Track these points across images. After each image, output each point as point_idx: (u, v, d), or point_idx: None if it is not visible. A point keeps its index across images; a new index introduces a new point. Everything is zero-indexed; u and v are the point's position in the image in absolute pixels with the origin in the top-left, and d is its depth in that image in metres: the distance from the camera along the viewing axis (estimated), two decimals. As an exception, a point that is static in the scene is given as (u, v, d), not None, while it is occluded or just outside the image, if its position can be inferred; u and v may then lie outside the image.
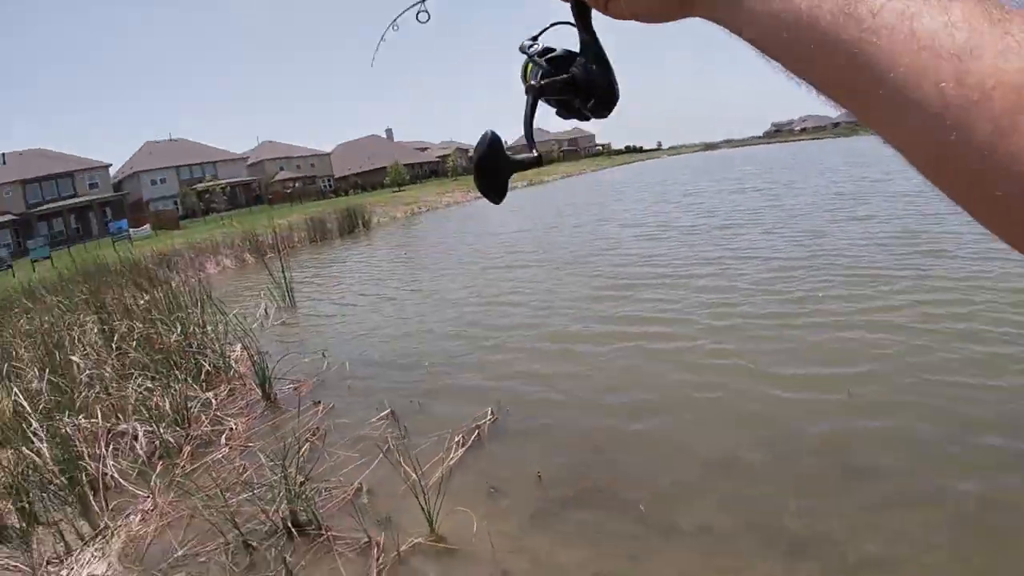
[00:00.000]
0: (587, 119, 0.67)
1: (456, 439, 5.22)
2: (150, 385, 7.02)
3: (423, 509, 4.10)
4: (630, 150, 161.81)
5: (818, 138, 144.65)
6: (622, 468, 4.60)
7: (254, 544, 4.29)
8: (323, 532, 4.27)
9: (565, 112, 0.68)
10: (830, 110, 0.47)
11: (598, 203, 30.12)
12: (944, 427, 4.45)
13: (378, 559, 3.90)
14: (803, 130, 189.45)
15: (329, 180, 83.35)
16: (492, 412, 5.67)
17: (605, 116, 0.66)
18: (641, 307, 8.31)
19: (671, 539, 3.76)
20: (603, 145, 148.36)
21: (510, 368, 6.95)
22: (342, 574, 3.85)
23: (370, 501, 4.66)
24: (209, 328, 8.68)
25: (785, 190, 22.52)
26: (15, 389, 6.69)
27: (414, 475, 4.27)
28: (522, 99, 0.69)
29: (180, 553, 4.39)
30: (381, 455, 5.21)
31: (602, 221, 20.75)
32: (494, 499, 4.46)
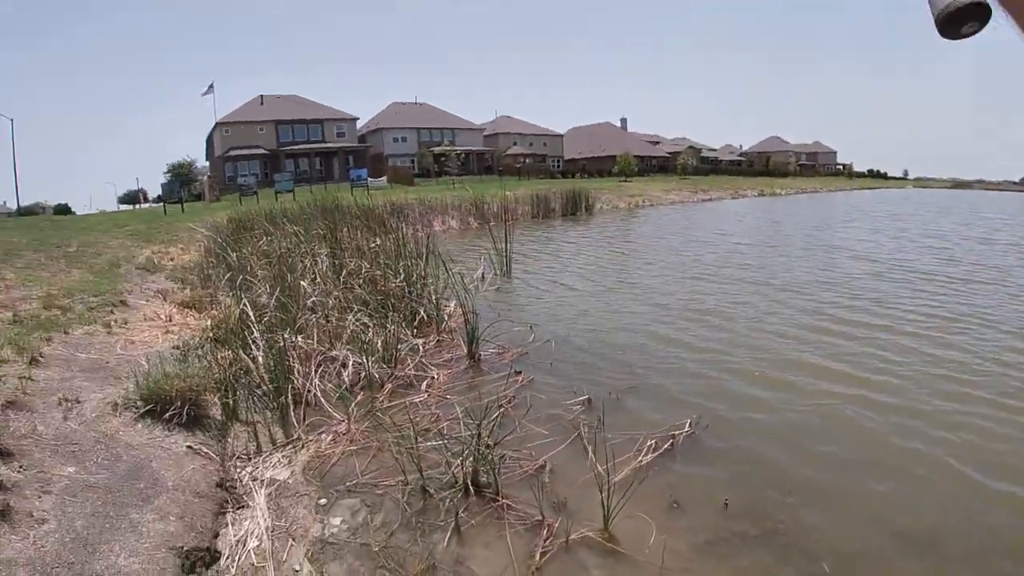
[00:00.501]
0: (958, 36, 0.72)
1: (649, 443, 5.14)
2: (367, 321, 7.59)
3: (603, 504, 4.08)
4: (873, 174, 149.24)
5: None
6: (811, 520, 4.29)
7: (431, 491, 4.49)
8: (499, 499, 4.37)
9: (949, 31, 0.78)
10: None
11: (829, 227, 28.21)
12: None
13: (546, 540, 3.93)
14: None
15: (558, 161, 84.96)
16: (690, 425, 5.53)
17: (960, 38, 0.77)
18: (862, 356, 7.59)
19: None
20: (844, 165, 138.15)
21: (713, 387, 6.71)
22: (508, 544, 3.93)
23: (550, 481, 4.70)
24: (429, 280, 9.20)
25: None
26: (245, 300, 7.43)
27: (601, 468, 4.23)
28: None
29: (360, 480, 4.70)
30: (572, 439, 5.26)
31: (831, 248, 19.35)
32: (674, 514, 4.33)
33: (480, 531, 4.10)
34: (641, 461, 4.89)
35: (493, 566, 3.77)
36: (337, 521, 4.19)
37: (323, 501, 4.44)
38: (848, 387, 6.60)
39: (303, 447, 5.23)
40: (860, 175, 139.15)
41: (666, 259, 16.83)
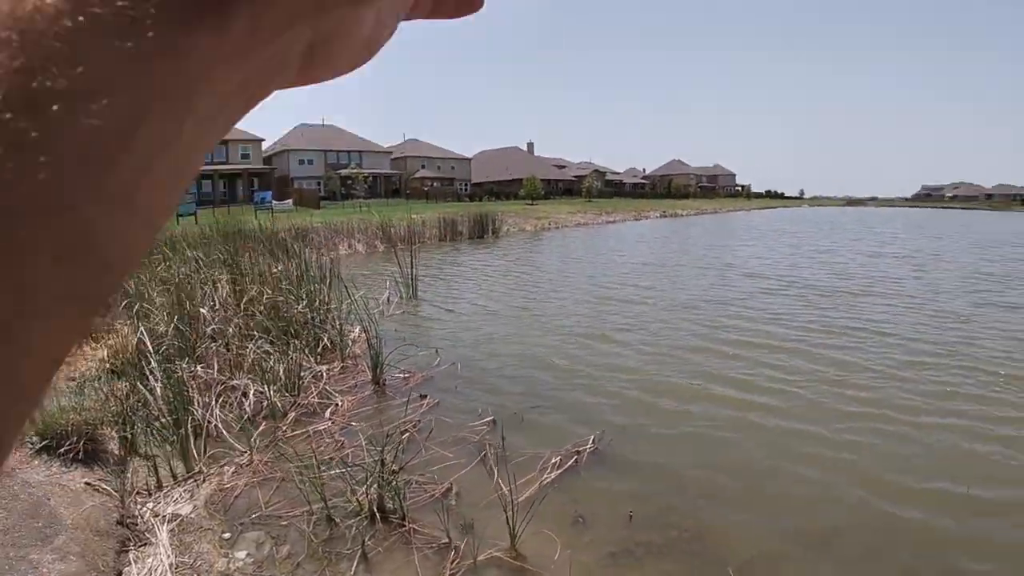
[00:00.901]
0: None
1: (553, 460, 5.28)
2: (269, 349, 7.47)
3: (508, 523, 4.16)
4: (770, 195, 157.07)
5: (969, 208, 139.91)
6: (715, 528, 4.50)
7: (337, 520, 4.49)
8: (405, 524, 4.41)
9: None
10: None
11: (727, 246, 29.64)
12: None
13: (453, 562, 4.00)
14: (954, 197, 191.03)
15: (466, 184, 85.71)
16: (593, 441, 5.69)
17: None
18: (755, 371, 7.98)
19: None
20: (743, 186, 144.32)
21: (614, 404, 6.92)
22: (416, 569, 3.96)
23: (457, 503, 4.77)
24: (333, 305, 9.14)
25: (931, 261, 21.75)
26: (142, 328, 7.20)
27: (505, 488, 4.32)
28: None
29: (264, 512, 4.64)
30: (477, 460, 5.33)
31: (728, 267, 20.28)
32: (579, 529, 4.46)
33: (387, 557, 4.12)
34: (545, 479, 5.01)
35: (401, 591, 3.81)
36: (242, 555, 4.14)
37: (227, 535, 4.38)
38: (743, 400, 6.93)
39: (205, 480, 5.13)
40: (758, 196, 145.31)
41: (568, 281, 17.11)
